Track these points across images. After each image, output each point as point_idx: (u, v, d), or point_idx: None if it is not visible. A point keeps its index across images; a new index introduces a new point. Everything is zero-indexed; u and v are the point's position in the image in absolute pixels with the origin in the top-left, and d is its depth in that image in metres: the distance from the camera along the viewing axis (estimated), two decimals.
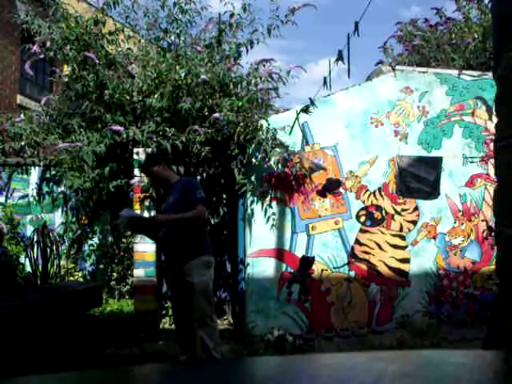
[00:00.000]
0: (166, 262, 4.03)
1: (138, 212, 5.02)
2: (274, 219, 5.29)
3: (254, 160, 5.36)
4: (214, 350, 3.71)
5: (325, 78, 5.82)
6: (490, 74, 5.31)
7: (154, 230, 3.98)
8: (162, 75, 5.32)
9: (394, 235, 5.55)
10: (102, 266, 6.11)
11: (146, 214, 5.23)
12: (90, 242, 6.23)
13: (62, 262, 5.47)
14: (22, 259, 5.42)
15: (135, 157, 5.24)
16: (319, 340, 5.15)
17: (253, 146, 5.27)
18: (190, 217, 3.74)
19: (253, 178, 5.35)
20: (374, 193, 5.54)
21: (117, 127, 5.10)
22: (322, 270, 5.39)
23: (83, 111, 5.41)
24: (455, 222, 5.67)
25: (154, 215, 3.83)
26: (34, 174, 6.39)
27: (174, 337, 4.03)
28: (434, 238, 5.62)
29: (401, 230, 5.57)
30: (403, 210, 5.58)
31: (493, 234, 5.12)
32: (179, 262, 3.79)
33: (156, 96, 5.28)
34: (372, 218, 5.52)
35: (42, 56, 5.61)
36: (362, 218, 5.51)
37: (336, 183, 5.46)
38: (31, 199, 6.33)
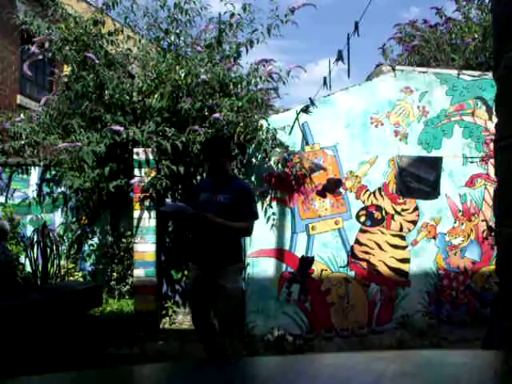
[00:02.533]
0: (198, 260, 3.81)
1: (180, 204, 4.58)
2: (274, 219, 5.29)
3: (254, 160, 5.37)
4: (231, 357, 3.65)
5: (325, 78, 5.82)
6: (489, 74, 5.31)
7: (200, 225, 3.81)
8: (162, 75, 5.32)
9: (393, 235, 5.55)
10: (101, 266, 6.11)
11: (146, 215, 5.24)
12: (90, 241, 6.22)
13: (62, 262, 5.48)
14: (22, 259, 5.43)
15: (135, 157, 5.24)
16: (319, 340, 5.15)
17: (253, 146, 5.27)
18: (240, 228, 3.70)
19: (253, 178, 5.36)
20: (374, 193, 5.54)
21: (117, 127, 5.09)
22: (322, 270, 5.38)
23: (83, 111, 5.40)
24: (455, 222, 5.67)
25: (206, 214, 3.62)
26: (34, 174, 6.39)
27: (198, 338, 3.91)
28: (434, 237, 5.62)
29: (401, 229, 5.56)
30: (403, 209, 5.58)
31: (493, 234, 5.13)
32: (216, 264, 3.62)
33: (156, 96, 5.28)
34: (372, 217, 5.52)
35: (40, 57, 5.60)
36: (362, 218, 5.51)
37: (336, 183, 5.46)
38: (31, 199, 6.32)
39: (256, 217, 3.81)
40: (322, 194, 5.43)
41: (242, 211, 3.64)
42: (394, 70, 5.68)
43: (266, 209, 5.29)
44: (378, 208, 5.53)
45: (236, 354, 3.67)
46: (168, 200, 4.27)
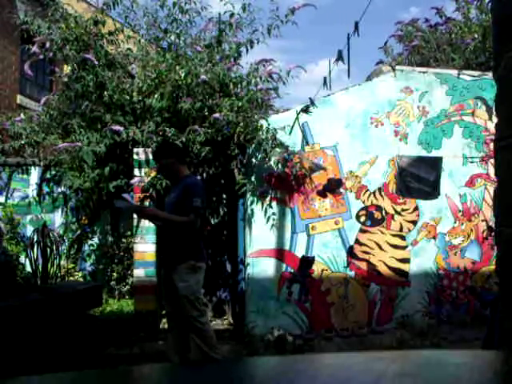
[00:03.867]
0: (160, 259, 4.03)
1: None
2: (274, 219, 5.28)
3: (254, 160, 5.36)
4: (211, 352, 3.70)
5: (325, 78, 5.82)
6: (490, 74, 5.31)
7: (145, 219, 3.98)
8: (162, 75, 5.32)
9: (394, 235, 5.55)
10: (101, 266, 6.11)
11: None
12: (89, 241, 6.23)
13: (62, 262, 5.48)
14: (22, 259, 5.43)
15: (135, 157, 5.24)
16: (319, 340, 5.15)
17: (253, 146, 5.27)
18: (178, 221, 3.69)
19: (253, 178, 5.35)
20: (374, 193, 5.54)
21: (117, 127, 5.09)
22: (322, 270, 5.38)
23: (83, 111, 5.40)
24: (455, 222, 5.67)
25: (144, 206, 3.78)
26: (34, 174, 6.39)
27: (165, 336, 4.01)
28: (434, 238, 5.62)
29: (401, 229, 5.56)
30: (403, 209, 5.58)
31: (493, 233, 5.12)
32: (169, 263, 3.80)
33: (156, 96, 5.27)
34: (372, 218, 5.52)
35: (41, 57, 5.60)
36: (362, 218, 5.51)
37: (336, 183, 5.46)
38: (31, 199, 6.32)
39: (197, 211, 3.70)
40: (322, 193, 5.43)
41: (185, 205, 3.67)
42: (393, 69, 5.69)
43: (265, 209, 5.29)
44: (378, 208, 5.53)
45: (212, 348, 3.72)
46: (124, 195, 4.34)
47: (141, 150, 5.22)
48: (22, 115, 5.97)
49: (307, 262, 5.36)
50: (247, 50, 5.76)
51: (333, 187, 5.45)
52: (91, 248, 6.23)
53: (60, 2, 5.67)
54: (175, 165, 3.87)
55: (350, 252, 5.45)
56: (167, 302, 3.93)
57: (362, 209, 5.51)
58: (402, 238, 5.57)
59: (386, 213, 5.54)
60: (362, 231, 5.50)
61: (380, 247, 5.51)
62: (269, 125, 5.24)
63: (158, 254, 3.96)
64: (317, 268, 5.37)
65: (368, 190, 5.53)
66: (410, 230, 5.58)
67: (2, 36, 8.68)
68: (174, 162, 3.87)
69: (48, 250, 4.88)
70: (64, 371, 2.48)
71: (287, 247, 5.36)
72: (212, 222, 5.73)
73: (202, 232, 3.90)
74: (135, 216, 5.21)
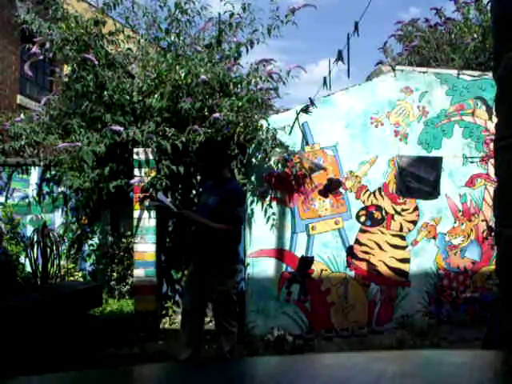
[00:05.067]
0: (192, 259, 3.94)
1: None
2: (274, 219, 5.29)
3: (254, 160, 5.37)
4: (228, 352, 3.71)
5: (324, 78, 5.81)
6: (489, 74, 5.31)
7: (183, 222, 3.93)
8: (162, 75, 5.32)
9: (394, 235, 5.55)
10: (101, 266, 6.10)
11: (146, 215, 5.24)
12: (90, 241, 6.22)
13: (62, 262, 5.46)
14: (22, 259, 5.42)
15: (135, 157, 5.24)
16: (319, 340, 5.15)
17: (253, 146, 5.27)
18: (218, 229, 3.65)
19: (253, 178, 5.36)
20: (374, 193, 5.54)
21: (117, 127, 5.09)
22: (322, 270, 5.39)
23: (83, 111, 5.40)
24: (455, 222, 5.67)
25: (183, 210, 3.76)
26: (34, 173, 6.39)
27: (180, 333, 3.98)
28: (434, 238, 5.62)
29: (401, 229, 5.56)
30: (403, 209, 5.58)
31: (493, 233, 5.13)
32: (207, 264, 3.73)
33: (156, 96, 5.28)
34: (372, 217, 5.52)
35: (41, 57, 5.60)
36: (362, 218, 5.51)
37: (336, 183, 5.46)
38: (31, 199, 6.32)
39: (237, 221, 3.72)
40: (322, 193, 5.43)
41: (226, 213, 3.64)
42: (393, 69, 5.69)
43: (265, 209, 5.29)
44: (378, 208, 5.53)
45: (232, 351, 3.72)
46: (160, 193, 4.30)
47: (141, 149, 5.22)
48: (22, 115, 5.97)
49: (307, 261, 5.36)
50: (247, 50, 5.76)
51: (332, 187, 5.45)
52: (91, 248, 6.22)
53: (60, 2, 5.67)
54: (218, 166, 3.79)
55: (350, 252, 5.45)
56: (191, 300, 3.83)
57: (362, 209, 5.52)
58: (402, 238, 5.57)
59: (386, 213, 5.54)
60: (361, 231, 5.50)
61: (380, 247, 5.51)
62: (269, 125, 5.24)
63: (193, 253, 3.90)
64: (317, 268, 5.37)
65: (368, 190, 5.53)
66: (410, 230, 5.58)
67: (2, 36, 8.68)
68: (217, 164, 3.79)
69: (48, 249, 4.87)
70: (64, 371, 2.48)
71: (287, 247, 5.36)
72: None
73: (240, 236, 3.90)
74: (138, 217, 5.22)
